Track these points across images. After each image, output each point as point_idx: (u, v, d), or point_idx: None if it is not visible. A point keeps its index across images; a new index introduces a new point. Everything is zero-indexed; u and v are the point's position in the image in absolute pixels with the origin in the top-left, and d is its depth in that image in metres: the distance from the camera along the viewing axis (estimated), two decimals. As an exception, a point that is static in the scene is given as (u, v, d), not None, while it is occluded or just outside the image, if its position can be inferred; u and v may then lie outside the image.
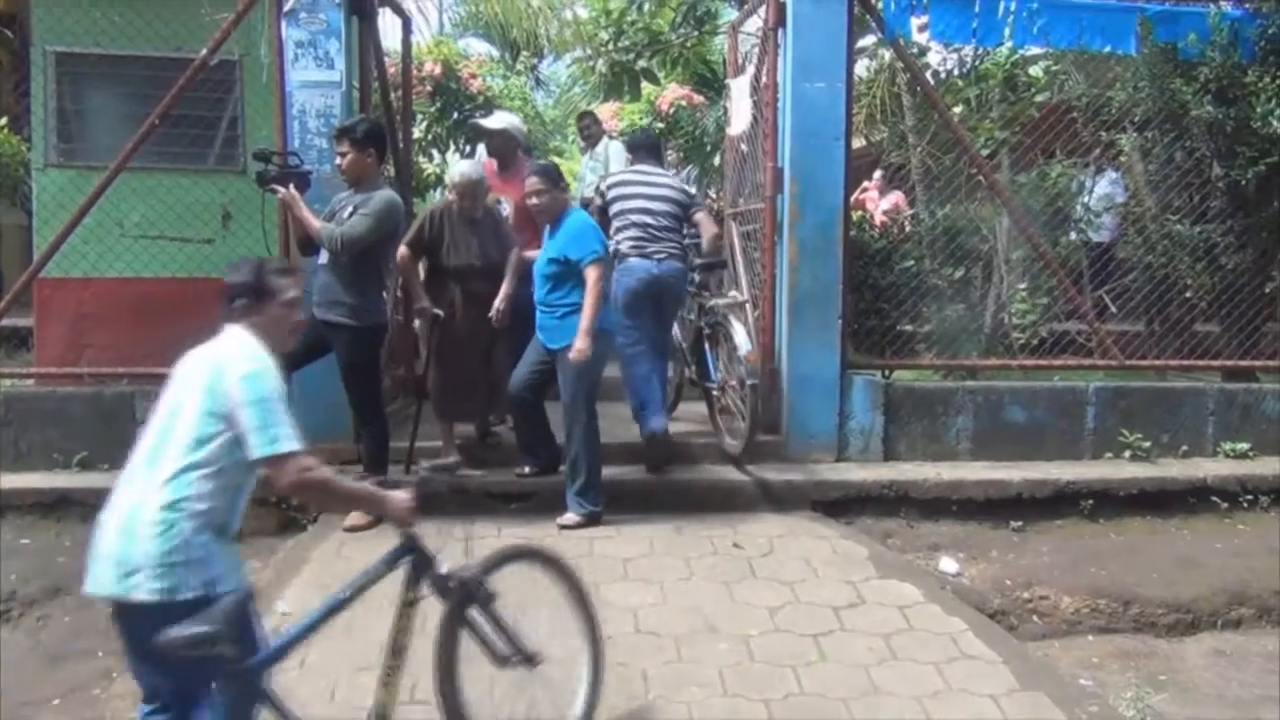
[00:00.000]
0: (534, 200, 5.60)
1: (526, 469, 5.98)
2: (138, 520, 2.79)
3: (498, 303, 5.87)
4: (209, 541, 2.81)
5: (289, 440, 2.89)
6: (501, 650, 3.33)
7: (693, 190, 7.11)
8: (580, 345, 5.38)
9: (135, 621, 2.76)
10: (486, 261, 5.92)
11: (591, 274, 5.43)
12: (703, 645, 4.34)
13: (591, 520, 5.58)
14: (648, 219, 6.09)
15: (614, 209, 6.16)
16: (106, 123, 6.49)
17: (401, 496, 3.14)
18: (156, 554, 2.72)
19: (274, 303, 3.09)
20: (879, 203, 10.09)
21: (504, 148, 6.77)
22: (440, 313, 5.86)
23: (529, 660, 3.37)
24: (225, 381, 2.89)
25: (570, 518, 5.59)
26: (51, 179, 6.40)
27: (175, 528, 2.76)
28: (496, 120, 6.89)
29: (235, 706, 2.73)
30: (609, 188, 6.34)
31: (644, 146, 6.73)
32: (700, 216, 6.38)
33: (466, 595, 3.25)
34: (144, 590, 2.70)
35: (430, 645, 3.25)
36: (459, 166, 6.16)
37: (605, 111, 12.54)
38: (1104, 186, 8.07)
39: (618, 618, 4.53)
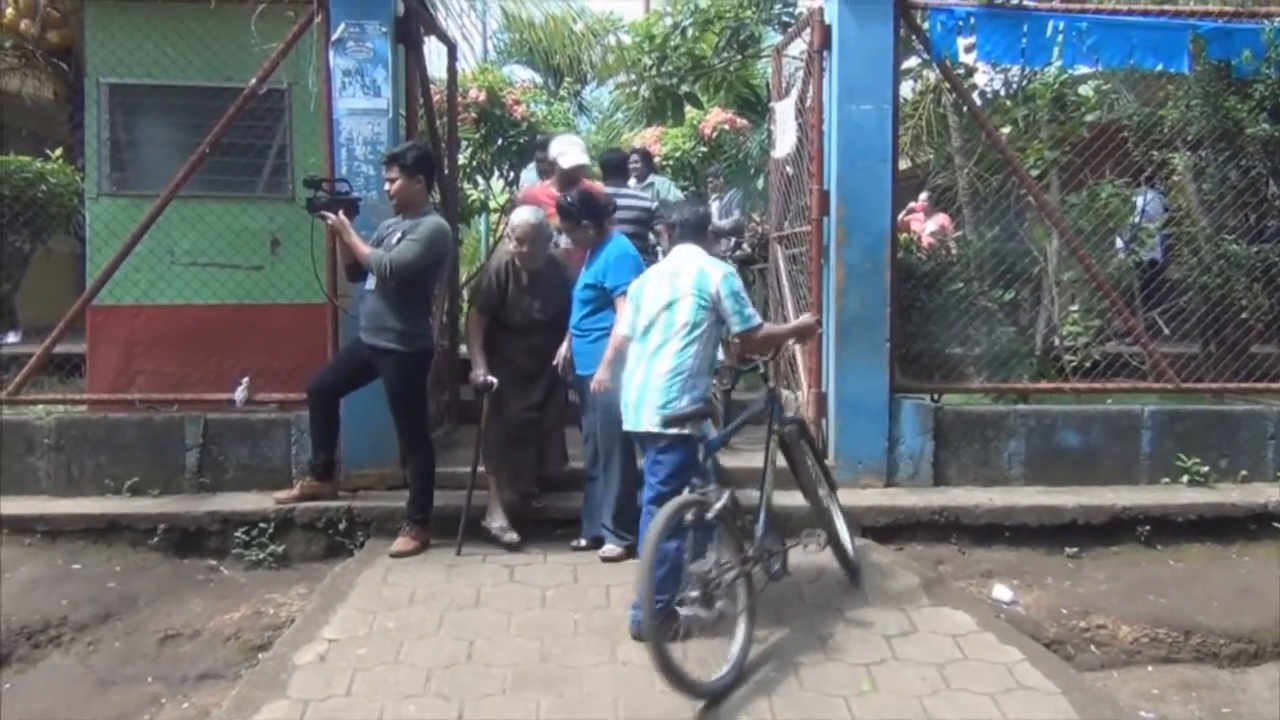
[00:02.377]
0: (565, 238, 5.70)
1: (583, 541, 5.70)
2: (653, 382, 4.54)
3: (564, 350, 5.68)
4: (696, 393, 4.54)
5: (755, 317, 4.66)
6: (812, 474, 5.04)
7: (654, 203, 7.36)
8: (601, 375, 5.27)
9: (651, 442, 4.59)
10: (548, 315, 5.73)
11: (621, 304, 5.28)
12: (752, 673, 4.27)
13: (630, 552, 5.43)
14: None
15: None
16: (158, 152, 6.57)
17: (807, 318, 5.54)
18: (667, 401, 4.48)
19: (710, 231, 5.04)
20: (925, 224, 10.00)
21: (575, 178, 6.47)
22: (494, 381, 5.60)
23: (831, 485, 5.25)
24: (710, 283, 4.57)
25: (611, 550, 5.50)
26: (104, 208, 6.49)
27: (678, 384, 4.51)
28: (569, 156, 6.46)
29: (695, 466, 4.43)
30: None
31: (611, 165, 7.38)
32: (660, 228, 6.86)
33: (802, 428, 5.01)
34: (650, 424, 4.50)
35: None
36: (520, 214, 5.72)
37: (649, 136, 12.56)
38: (1145, 205, 7.93)
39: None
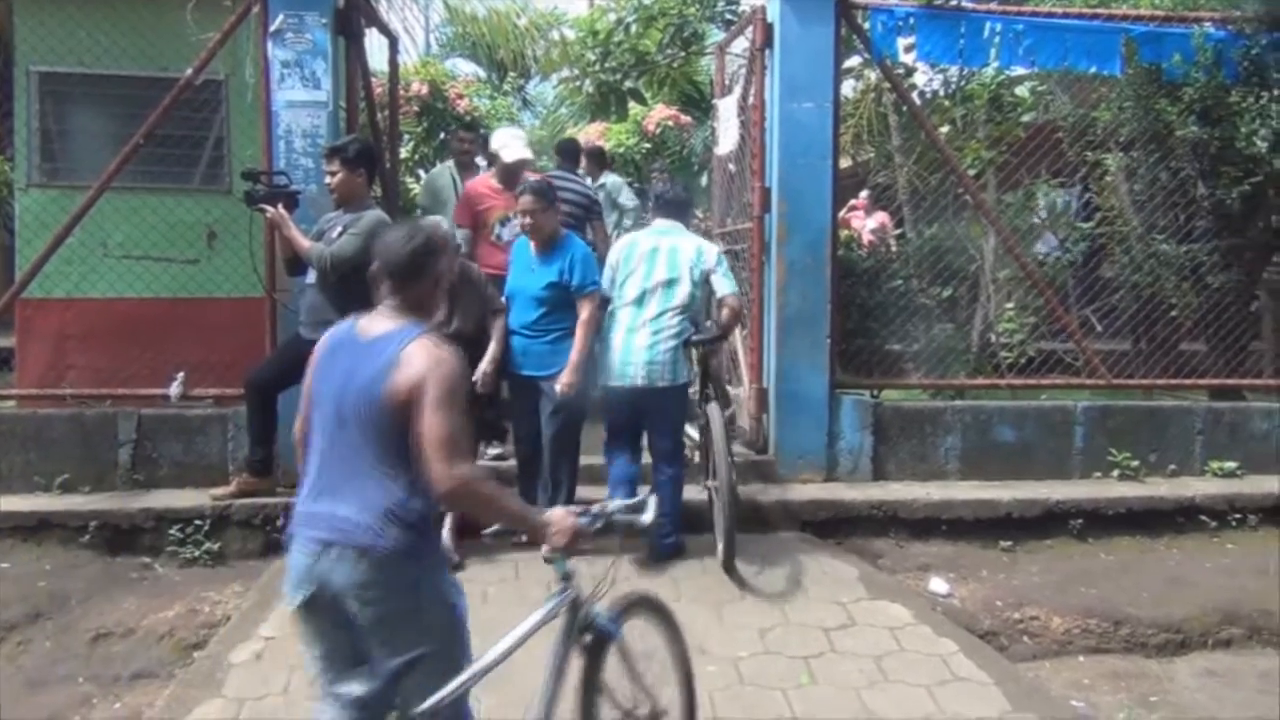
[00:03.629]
0: (527, 220, 5.36)
1: (524, 536, 5.26)
2: (657, 345, 5.26)
3: (484, 366, 5.36)
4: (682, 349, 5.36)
5: (734, 283, 5.52)
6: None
7: (597, 196, 7.44)
8: (569, 379, 5.25)
9: (647, 398, 5.30)
10: (456, 330, 5.24)
11: (590, 305, 5.33)
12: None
13: None
14: None
15: None
16: (90, 142, 6.43)
17: None
18: (668, 361, 5.27)
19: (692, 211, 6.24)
20: (865, 221, 10.10)
21: (517, 172, 6.26)
22: None
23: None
24: (706, 260, 5.43)
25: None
26: (34, 199, 6.34)
27: (676, 345, 5.29)
28: (512, 149, 6.27)
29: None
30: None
31: (562, 152, 7.48)
32: (596, 224, 6.95)
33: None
34: (661, 380, 5.26)
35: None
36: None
37: (593, 132, 12.54)
38: (1068, 203, 8.05)
39: (606, 640, 4.49)
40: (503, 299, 5.58)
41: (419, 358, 2.68)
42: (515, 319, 5.49)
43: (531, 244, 5.48)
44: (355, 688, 2.78)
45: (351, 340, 2.85)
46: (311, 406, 2.89)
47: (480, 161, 8.58)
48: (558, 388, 5.28)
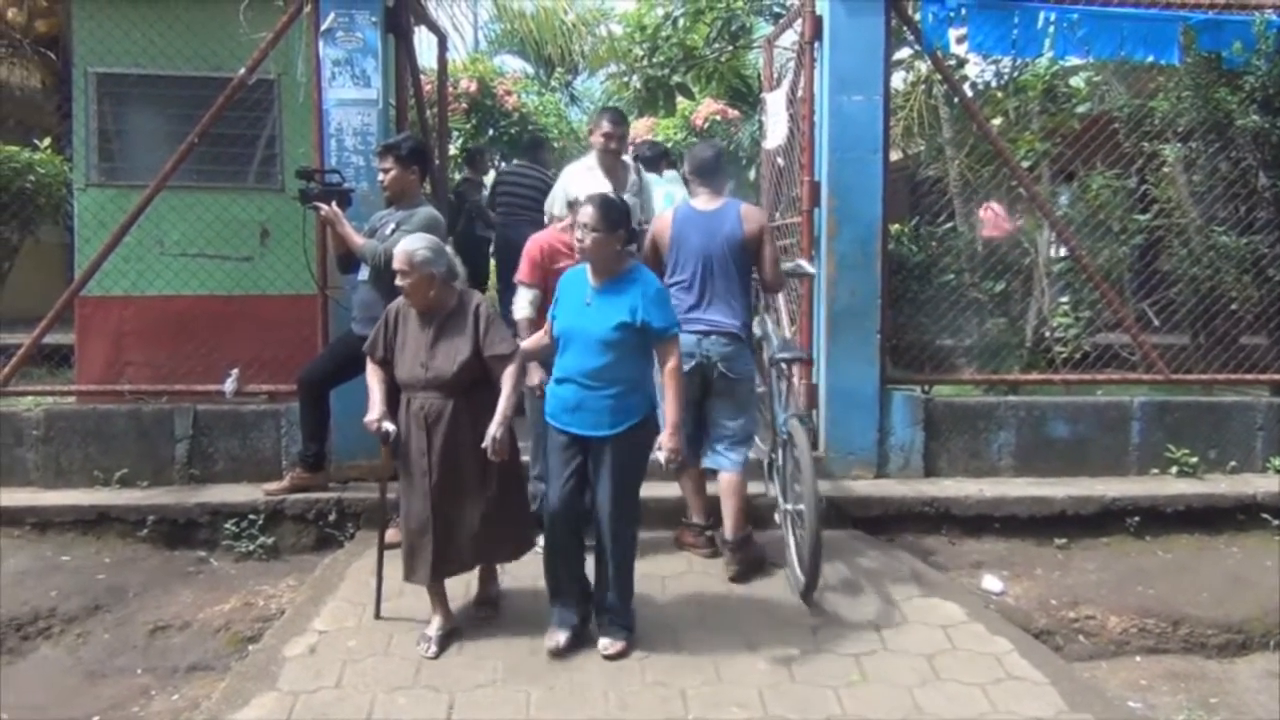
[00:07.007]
0: (587, 237, 4.28)
1: (561, 639, 4.42)
2: None
3: (493, 430, 4.25)
4: None
5: None
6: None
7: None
8: (674, 445, 4.27)
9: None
10: (438, 373, 4.36)
11: (675, 352, 4.37)
12: (742, 665, 4.28)
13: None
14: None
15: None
16: (146, 142, 6.54)
17: None
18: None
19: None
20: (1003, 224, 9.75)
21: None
22: (391, 429, 4.39)
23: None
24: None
25: (617, 645, 4.40)
26: (92, 198, 6.45)
27: None
28: (579, 181, 5.61)
29: None
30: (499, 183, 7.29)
31: (526, 148, 7.79)
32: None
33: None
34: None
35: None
36: (400, 243, 4.49)
37: (641, 127, 12.54)
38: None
39: (656, 636, 4.49)
40: (518, 341, 4.59)
41: (754, 214, 5.19)
42: (568, 366, 4.37)
43: (589, 272, 4.41)
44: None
45: (695, 214, 5.17)
46: (678, 260, 5.16)
47: (626, 158, 6.59)
48: (661, 455, 4.27)
